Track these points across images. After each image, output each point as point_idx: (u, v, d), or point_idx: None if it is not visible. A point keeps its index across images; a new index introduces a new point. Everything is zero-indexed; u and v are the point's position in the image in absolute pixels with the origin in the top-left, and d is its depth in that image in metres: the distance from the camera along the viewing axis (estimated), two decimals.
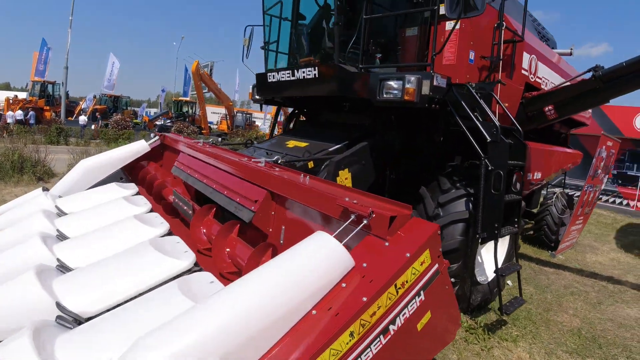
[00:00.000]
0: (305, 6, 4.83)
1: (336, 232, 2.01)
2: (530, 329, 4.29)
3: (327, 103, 4.72)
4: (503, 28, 4.05)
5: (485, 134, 3.42)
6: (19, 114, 22.51)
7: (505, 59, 4.45)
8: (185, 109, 31.14)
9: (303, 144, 4.26)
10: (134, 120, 27.23)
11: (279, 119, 10.39)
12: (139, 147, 5.26)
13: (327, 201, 2.28)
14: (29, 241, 3.09)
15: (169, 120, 29.12)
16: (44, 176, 8.99)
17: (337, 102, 4.55)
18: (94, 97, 30.76)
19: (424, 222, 2.12)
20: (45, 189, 4.91)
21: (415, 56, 4.21)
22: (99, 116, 27.92)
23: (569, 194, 8.51)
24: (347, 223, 2.05)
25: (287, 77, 4.30)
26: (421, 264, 1.97)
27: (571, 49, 6.91)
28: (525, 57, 4.96)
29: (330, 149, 4.00)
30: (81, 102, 31.31)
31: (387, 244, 1.96)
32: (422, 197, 3.97)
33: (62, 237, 3.44)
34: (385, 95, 3.59)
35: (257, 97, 5.26)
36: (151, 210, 4.01)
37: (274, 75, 4.54)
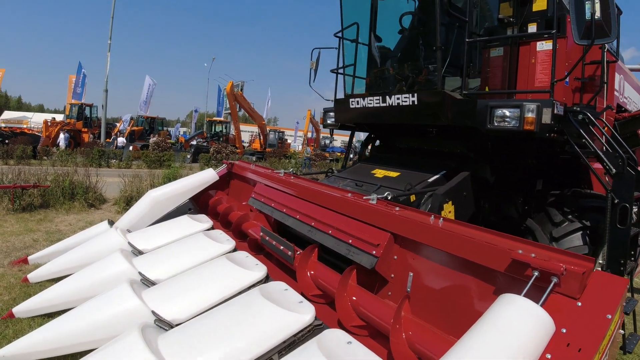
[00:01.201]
0: (384, 28, 4.61)
1: (524, 292, 1.75)
2: None
3: (410, 128, 4.45)
4: (606, 49, 3.77)
5: (610, 165, 3.10)
6: (65, 137, 22.95)
7: (597, 80, 4.13)
8: (219, 129, 31.45)
9: (394, 174, 3.99)
10: (169, 141, 27.60)
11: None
12: (207, 176, 5.09)
13: (493, 253, 1.99)
14: (119, 290, 2.91)
15: (204, 141, 29.41)
16: (96, 202, 8.93)
17: (421, 127, 4.28)
18: (131, 118, 31.39)
19: (612, 276, 1.85)
20: (111, 222, 4.79)
21: (500, 79, 3.94)
22: (136, 137, 28.43)
23: None
24: (531, 281, 1.78)
25: (377, 103, 4.04)
26: (615, 325, 1.70)
27: None
28: (617, 77, 4.64)
29: (429, 180, 3.71)
30: (118, 124, 31.93)
31: (579, 304, 1.71)
32: (530, 230, 3.65)
33: (147, 282, 3.25)
34: (497, 124, 3.31)
35: (329, 122, 5.04)
36: (235, 248, 3.81)
37: (358, 101, 4.29)
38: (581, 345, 1.57)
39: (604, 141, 3.30)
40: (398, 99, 3.82)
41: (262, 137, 30.18)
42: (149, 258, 3.69)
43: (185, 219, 4.56)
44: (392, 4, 4.64)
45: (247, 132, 38.90)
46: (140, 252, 3.91)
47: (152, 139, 24.63)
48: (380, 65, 4.53)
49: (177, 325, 2.64)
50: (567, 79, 3.75)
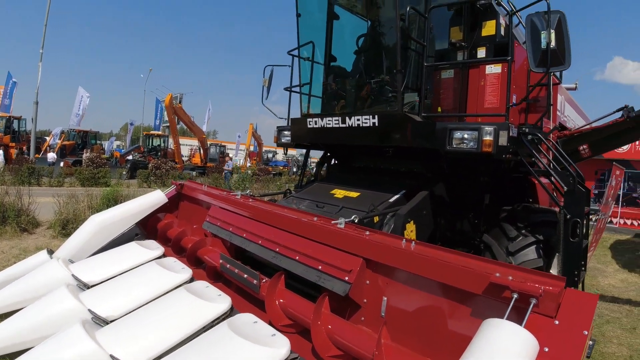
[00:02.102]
0: (339, 47, 4.63)
1: (506, 315, 1.79)
2: None
3: (367, 148, 4.48)
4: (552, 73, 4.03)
5: (561, 183, 3.30)
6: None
7: (541, 101, 4.41)
8: (157, 143, 30.25)
9: (354, 194, 3.98)
10: (104, 156, 26.12)
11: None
12: (155, 199, 4.81)
13: (471, 277, 2.01)
14: (72, 333, 2.65)
15: (140, 156, 28.13)
16: (29, 226, 8.18)
17: (378, 147, 4.33)
18: (62, 132, 29.40)
19: (582, 293, 1.97)
20: (50, 251, 4.39)
21: (452, 100, 4.10)
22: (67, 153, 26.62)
23: None
24: (512, 304, 1.83)
25: (336, 124, 4.03)
26: (589, 339, 1.79)
27: (576, 83, 7.08)
28: (559, 98, 5.00)
29: (390, 200, 3.73)
30: (49, 138, 29.67)
31: (557, 322, 1.79)
32: (487, 246, 3.78)
33: (99, 320, 2.99)
34: (455, 146, 3.41)
35: (284, 140, 4.97)
36: (192, 277, 3.60)
37: (316, 121, 4.25)
38: None
39: (551, 158, 3.49)
40: (358, 120, 3.84)
41: (202, 152, 29.43)
42: (98, 293, 3.40)
43: (133, 246, 4.27)
44: (348, 23, 4.69)
45: (187, 146, 37.77)
46: (86, 286, 3.59)
47: (85, 155, 23.17)
48: (338, 85, 4.54)
49: None
50: (515, 101, 3.95)
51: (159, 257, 4.09)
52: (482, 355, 1.60)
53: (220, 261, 3.41)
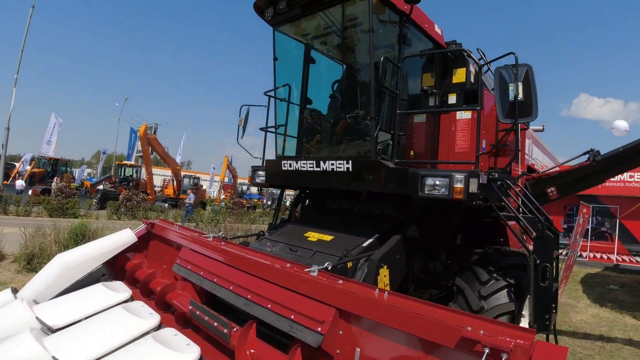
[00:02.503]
0: (315, 90, 4.72)
1: None
2: None
3: (341, 190, 4.51)
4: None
5: (530, 229, 3.37)
6: None
7: (509, 145, 4.56)
8: (129, 173, 29.67)
9: (328, 237, 3.96)
10: (73, 185, 25.42)
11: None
12: (124, 238, 4.66)
13: (443, 330, 2.00)
14: None
15: (112, 186, 27.49)
16: None
17: (353, 190, 4.36)
18: (32, 159, 28.57)
19: (553, 346, 1.96)
20: (15, 290, 4.18)
21: (424, 143, 4.19)
22: (36, 180, 25.79)
23: None
24: (484, 358, 1.82)
25: (310, 167, 4.05)
26: None
27: (543, 125, 7.34)
28: (527, 142, 5.18)
29: (363, 244, 3.73)
30: (18, 165, 28.72)
31: None
32: (460, 289, 3.79)
33: None
34: (427, 192, 3.46)
35: (258, 180, 4.95)
36: (160, 324, 3.47)
37: (290, 164, 4.27)
38: None
39: (520, 203, 3.58)
40: (332, 164, 3.87)
41: (175, 183, 28.96)
42: (63, 338, 3.24)
43: (99, 288, 4.10)
44: (324, 67, 4.79)
45: (160, 176, 37.12)
46: (50, 329, 3.43)
47: (55, 184, 22.51)
48: (313, 128, 4.59)
49: None
50: (484, 145, 4.07)
51: (126, 301, 3.95)
52: None
53: (190, 307, 3.30)
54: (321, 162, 3.96)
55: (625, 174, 15.66)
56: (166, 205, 25.29)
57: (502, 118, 3.23)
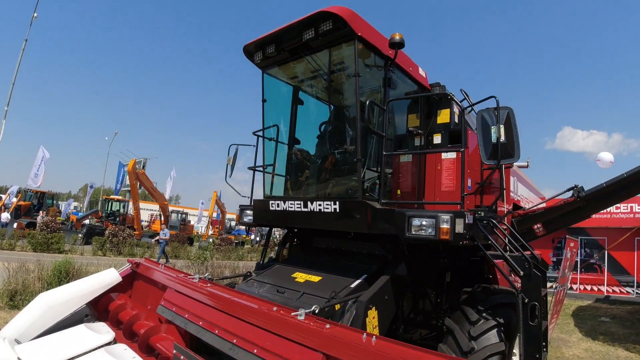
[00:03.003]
0: (303, 130, 4.79)
1: None
2: None
3: (329, 230, 4.52)
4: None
5: (517, 268, 3.39)
6: None
7: (494, 183, 4.63)
8: (116, 207, 29.33)
9: (315, 278, 3.93)
10: (59, 218, 25.01)
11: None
12: (108, 278, 4.58)
13: None
14: None
15: (98, 220, 27.11)
16: None
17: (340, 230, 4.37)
18: (18, 191, 28.21)
19: None
20: None
21: (410, 182, 4.25)
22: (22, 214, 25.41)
23: None
24: None
25: (298, 207, 4.06)
26: None
27: (527, 161, 7.48)
28: (512, 179, 5.28)
29: (351, 285, 3.70)
30: (4, 197, 28.32)
31: None
32: (450, 330, 3.75)
33: None
34: (415, 233, 3.48)
35: (246, 220, 4.93)
36: None
37: (278, 204, 4.28)
38: None
39: (507, 242, 3.60)
40: (319, 205, 3.89)
41: (163, 218, 28.66)
42: None
43: (82, 330, 4.03)
44: (312, 108, 4.88)
45: (147, 211, 36.74)
46: None
47: (41, 218, 22.15)
48: (300, 168, 4.62)
49: None
50: (470, 184, 4.12)
51: (109, 343, 3.85)
52: None
53: (174, 352, 3.21)
54: (308, 203, 3.98)
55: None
56: (153, 241, 24.91)
57: (485, 160, 3.29)
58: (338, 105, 4.85)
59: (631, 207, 15.72)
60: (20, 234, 19.03)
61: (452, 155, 4.07)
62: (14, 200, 27.14)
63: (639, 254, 15.26)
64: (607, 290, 15.82)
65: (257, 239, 36.59)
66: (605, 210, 15.96)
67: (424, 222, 3.40)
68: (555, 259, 15.97)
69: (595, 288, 16.12)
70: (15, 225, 21.61)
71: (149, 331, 3.69)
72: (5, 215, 23.26)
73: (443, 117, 4.28)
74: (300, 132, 4.83)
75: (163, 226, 22.52)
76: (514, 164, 6.28)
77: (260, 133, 4.76)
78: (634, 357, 7.49)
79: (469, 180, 4.14)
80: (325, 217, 3.87)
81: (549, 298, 7.74)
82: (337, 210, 3.78)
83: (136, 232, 23.29)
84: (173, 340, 3.43)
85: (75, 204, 47.92)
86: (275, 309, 2.91)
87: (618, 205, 15.92)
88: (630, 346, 8.19)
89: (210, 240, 26.89)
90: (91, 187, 38.00)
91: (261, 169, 4.80)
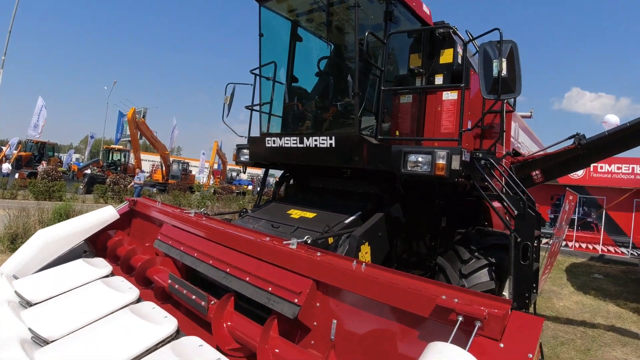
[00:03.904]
0: (302, 69, 4.66)
1: (451, 338, 1.77)
2: None
3: (325, 169, 4.48)
4: (505, 101, 4.18)
5: (512, 207, 3.37)
6: None
7: (495, 128, 4.55)
8: (117, 157, 29.35)
9: (310, 215, 3.94)
10: (60, 169, 25.11)
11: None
12: (106, 215, 4.61)
13: (418, 299, 2.00)
14: (8, 353, 2.47)
15: (99, 170, 27.20)
16: None
17: (336, 168, 4.33)
18: (19, 142, 28.16)
19: (528, 316, 1.95)
20: None
21: (410, 124, 4.17)
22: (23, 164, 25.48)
23: None
24: (457, 326, 1.82)
25: (294, 143, 4.01)
26: None
27: (531, 112, 7.35)
28: (513, 125, 5.18)
29: (345, 221, 3.71)
30: (5, 148, 28.33)
31: (501, 345, 1.78)
32: (442, 268, 3.80)
33: (40, 340, 2.80)
34: (410, 169, 3.44)
35: (243, 159, 4.90)
36: (139, 298, 3.44)
37: (274, 140, 4.22)
38: None
39: (504, 184, 3.57)
40: (315, 140, 3.84)
41: (164, 168, 28.72)
42: (41, 311, 3.20)
43: (80, 264, 4.07)
44: (311, 46, 4.73)
45: (149, 162, 36.79)
46: (29, 303, 3.38)
47: (41, 167, 22.23)
48: (297, 106, 4.54)
49: None
50: (470, 126, 4.05)
51: (107, 276, 3.91)
52: None
53: (169, 281, 3.27)
54: (305, 139, 3.92)
55: (612, 165, 15.87)
56: (154, 190, 25.08)
57: (485, 94, 3.20)
58: (337, 41, 4.70)
59: (632, 168, 15.68)
60: (21, 184, 19.15)
61: (453, 96, 3.97)
62: (15, 151, 27.16)
63: (637, 215, 15.37)
64: (602, 249, 16.04)
65: (258, 189, 36.78)
66: (606, 170, 15.96)
67: (419, 158, 3.37)
68: (552, 216, 16.10)
69: (590, 246, 16.34)
70: (17, 175, 21.75)
71: (145, 264, 3.74)
72: (7, 166, 23.32)
73: (446, 57, 4.15)
74: (299, 70, 4.70)
75: (137, 170, 22.41)
76: (517, 112, 6.18)
77: (258, 71, 4.65)
78: (624, 312, 7.67)
79: (469, 123, 4.07)
80: (321, 152, 3.83)
81: (543, 253, 7.87)
82: (333, 146, 3.73)
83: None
84: (168, 272, 3.48)
85: (77, 155, 47.98)
86: (268, 239, 2.93)
87: (620, 165, 15.91)
88: (621, 302, 8.38)
89: (212, 190, 27.03)
90: (92, 137, 37.89)
91: (258, 107, 4.71)
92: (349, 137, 3.76)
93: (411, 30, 4.22)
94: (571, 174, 15.92)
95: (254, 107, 4.76)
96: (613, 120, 15.40)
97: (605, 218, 16.14)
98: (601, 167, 15.91)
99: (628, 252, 15.58)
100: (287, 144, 4.08)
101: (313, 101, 4.59)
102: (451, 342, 1.73)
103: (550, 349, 5.45)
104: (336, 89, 4.31)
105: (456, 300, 1.89)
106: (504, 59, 3.06)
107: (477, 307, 1.82)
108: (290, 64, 4.67)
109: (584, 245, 16.45)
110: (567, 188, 7.33)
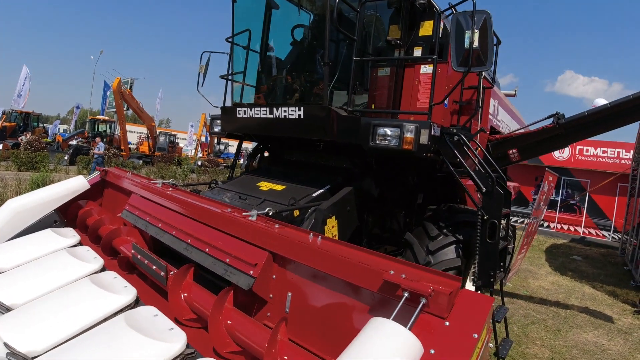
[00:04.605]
0: (276, 38, 4.53)
1: (393, 315, 1.74)
2: None
3: (298, 141, 4.41)
4: (482, 76, 4.09)
5: (480, 184, 3.34)
6: None
7: (473, 104, 4.49)
8: (102, 128, 28.90)
9: (279, 187, 3.89)
10: (45, 140, 24.70)
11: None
12: (76, 184, 4.53)
13: (367, 273, 1.98)
14: None
15: (85, 141, 26.79)
16: None
17: (309, 141, 4.26)
18: (3, 113, 27.56)
19: (478, 295, 1.94)
20: None
21: (386, 98, 4.09)
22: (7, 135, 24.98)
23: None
24: (401, 302, 1.79)
25: (264, 114, 3.92)
26: (483, 342, 1.77)
27: (515, 90, 7.28)
28: (492, 102, 5.10)
29: (313, 194, 3.67)
30: None
31: (447, 323, 1.76)
32: (409, 244, 3.79)
33: (1, 308, 2.79)
34: (378, 142, 3.38)
35: (216, 130, 4.80)
36: (103, 267, 3.41)
37: (245, 111, 4.12)
38: None
39: (476, 162, 3.54)
40: (285, 111, 3.75)
41: (151, 140, 28.37)
42: (4, 279, 3.18)
43: (48, 233, 4.02)
44: (286, 14, 4.59)
45: (135, 133, 36.29)
46: None
47: (24, 137, 21.84)
48: (270, 75, 4.43)
49: (33, 359, 2.28)
50: (447, 102, 3.98)
51: (74, 246, 3.87)
52: (359, 355, 1.55)
53: (132, 251, 3.23)
54: (274, 109, 3.84)
55: (598, 149, 15.98)
56: (140, 162, 24.79)
57: (456, 66, 3.12)
58: (311, 9, 4.56)
59: (618, 152, 15.83)
60: (4, 155, 18.83)
61: (430, 70, 3.88)
62: None
63: (620, 199, 15.57)
64: (583, 232, 16.29)
65: (246, 162, 36.58)
66: (591, 153, 16.08)
67: (388, 132, 3.30)
68: (536, 197, 16.26)
69: (572, 228, 16.59)
70: (0, 146, 21.33)
71: (111, 234, 3.70)
72: None
73: (425, 29, 4.04)
74: (273, 39, 4.57)
75: (97, 139, 21.83)
76: (498, 90, 6.12)
77: (231, 40, 4.51)
78: (599, 295, 7.76)
79: (444, 97, 4.02)
80: (290, 123, 3.75)
81: (520, 232, 7.90)
82: (302, 117, 3.65)
83: (123, 153, 23.16)
84: (132, 242, 3.44)
85: (65, 126, 47.16)
86: (229, 210, 2.89)
87: (605, 149, 16.03)
88: (597, 284, 8.48)
89: (199, 163, 26.81)
90: (77, 108, 37.14)
91: (232, 77, 4.60)
92: (317, 108, 3.68)
93: (389, 1, 4.10)
94: (556, 156, 16.03)
95: (228, 77, 4.64)
96: (602, 104, 15.42)
97: (589, 201, 16.35)
98: (587, 150, 16.03)
99: (609, 235, 15.85)
100: (258, 114, 3.99)
101: (284, 71, 4.47)
102: (394, 318, 1.71)
103: (520, 327, 5.52)
104: (308, 58, 4.21)
105: (403, 275, 1.86)
106: (476, 30, 2.97)
107: (423, 284, 1.79)
108: (265, 33, 4.53)
109: (565, 227, 16.69)
110: (547, 168, 7.35)
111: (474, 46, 2.97)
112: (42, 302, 2.83)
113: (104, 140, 25.90)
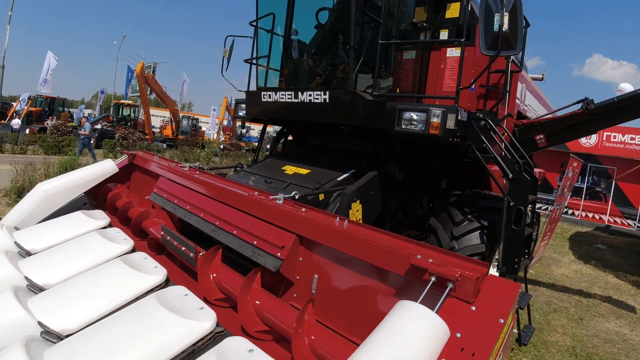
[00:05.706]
0: (300, 21, 4.51)
1: (421, 298, 1.76)
2: (535, 354, 4.35)
3: (322, 125, 4.42)
4: (510, 60, 4.01)
5: (507, 170, 3.30)
6: None
7: (500, 88, 4.41)
8: (127, 113, 29.36)
9: (304, 171, 3.92)
10: (71, 124, 25.25)
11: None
12: (105, 168, 4.65)
13: (394, 257, 2.00)
14: (1, 300, 2.54)
15: (109, 125, 27.29)
16: None
17: (333, 125, 4.27)
18: (29, 98, 28.20)
19: (505, 281, 1.92)
20: None
21: (411, 81, 4.05)
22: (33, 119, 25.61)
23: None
24: (428, 286, 1.81)
25: (289, 98, 3.94)
26: (508, 328, 1.78)
27: (543, 74, 7.09)
28: (519, 86, 4.99)
29: (338, 179, 3.69)
30: (15, 104, 28.38)
31: (473, 308, 1.77)
32: (433, 229, 3.79)
33: (34, 288, 2.88)
34: (404, 127, 3.36)
35: (241, 114, 4.85)
36: (133, 248, 3.51)
37: (270, 95, 4.15)
38: (475, 350, 1.60)
39: (502, 147, 3.49)
40: (310, 95, 3.76)
41: (174, 124, 28.71)
42: (37, 260, 3.28)
43: (79, 216, 4.14)
44: None
45: (159, 117, 36.74)
46: (28, 253, 3.47)
47: (50, 122, 22.35)
48: (295, 59, 4.43)
49: (66, 336, 2.36)
50: (473, 86, 3.92)
51: (104, 228, 3.99)
52: (387, 337, 1.58)
53: (161, 233, 3.32)
54: (299, 93, 3.85)
55: (626, 135, 15.51)
56: (164, 145, 25.17)
57: (485, 50, 3.06)
58: None
59: None
60: (31, 139, 19.33)
61: (457, 53, 3.81)
62: (25, 107, 27.22)
63: None
64: (608, 220, 15.93)
65: (268, 146, 36.75)
66: (619, 140, 15.63)
67: (414, 116, 3.28)
68: (560, 183, 15.94)
69: (597, 216, 16.24)
70: (27, 131, 21.87)
71: (140, 216, 3.80)
72: (17, 122, 23.42)
73: (452, 11, 3.97)
74: (298, 22, 4.55)
75: (83, 119, 21.49)
76: (526, 74, 5.97)
77: (255, 24, 4.51)
78: (623, 284, 7.62)
79: (471, 81, 3.95)
80: (316, 108, 3.75)
81: (543, 219, 7.78)
82: (327, 101, 3.65)
83: (147, 137, 23.51)
84: (162, 224, 3.53)
85: (89, 110, 48.04)
86: (256, 193, 2.94)
87: (633, 136, 15.54)
88: (621, 274, 8.30)
89: (222, 146, 27.05)
90: (102, 92, 37.73)
91: (256, 61, 4.62)
92: (343, 92, 3.67)
93: None
94: (583, 142, 15.64)
95: (253, 61, 4.66)
96: (628, 88, 14.89)
97: (615, 189, 15.95)
98: (614, 137, 15.59)
99: (635, 224, 15.47)
100: (283, 98, 4.01)
101: (310, 55, 4.47)
102: (421, 302, 1.73)
103: (542, 315, 5.49)
104: (333, 42, 4.19)
105: (430, 260, 1.88)
106: (506, 13, 2.91)
107: (451, 268, 1.80)
108: (289, 16, 4.52)
109: (590, 215, 16.35)
110: (571, 154, 7.20)
111: (504, 29, 2.91)
112: (75, 282, 2.93)
113: (128, 124, 26.34)
